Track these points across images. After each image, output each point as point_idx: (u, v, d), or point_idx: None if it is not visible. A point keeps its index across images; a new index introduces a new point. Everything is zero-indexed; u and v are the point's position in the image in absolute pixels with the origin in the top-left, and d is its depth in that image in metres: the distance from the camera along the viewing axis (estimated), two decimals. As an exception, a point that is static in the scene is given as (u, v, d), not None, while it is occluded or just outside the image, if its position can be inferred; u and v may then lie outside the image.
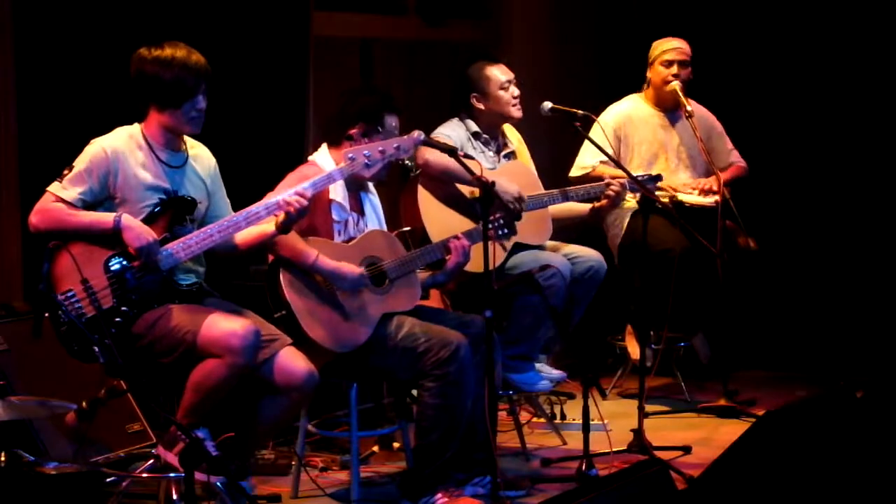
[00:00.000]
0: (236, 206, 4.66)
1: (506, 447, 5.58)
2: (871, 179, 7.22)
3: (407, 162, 5.35)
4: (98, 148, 4.45)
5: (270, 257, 4.77)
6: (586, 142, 5.96)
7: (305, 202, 4.47)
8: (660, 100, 6.44)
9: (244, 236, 4.61)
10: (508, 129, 5.78)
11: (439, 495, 4.74)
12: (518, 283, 5.21)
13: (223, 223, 4.48)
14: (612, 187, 5.59)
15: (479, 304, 4.64)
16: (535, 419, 5.96)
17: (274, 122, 6.14)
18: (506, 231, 5.09)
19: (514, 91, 5.63)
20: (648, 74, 6.47)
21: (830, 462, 3.97)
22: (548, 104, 5.49)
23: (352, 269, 4.74)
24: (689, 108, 6.21)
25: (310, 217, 4.67)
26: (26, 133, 5.31)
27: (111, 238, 4.37)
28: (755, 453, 3.82)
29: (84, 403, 4.30)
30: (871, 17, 7.17)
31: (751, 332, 6.68)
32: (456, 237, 5.00)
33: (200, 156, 4.68)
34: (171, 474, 4.45)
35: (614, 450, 5.26)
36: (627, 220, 6.30)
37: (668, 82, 6.35)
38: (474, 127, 5.62)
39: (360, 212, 4.99)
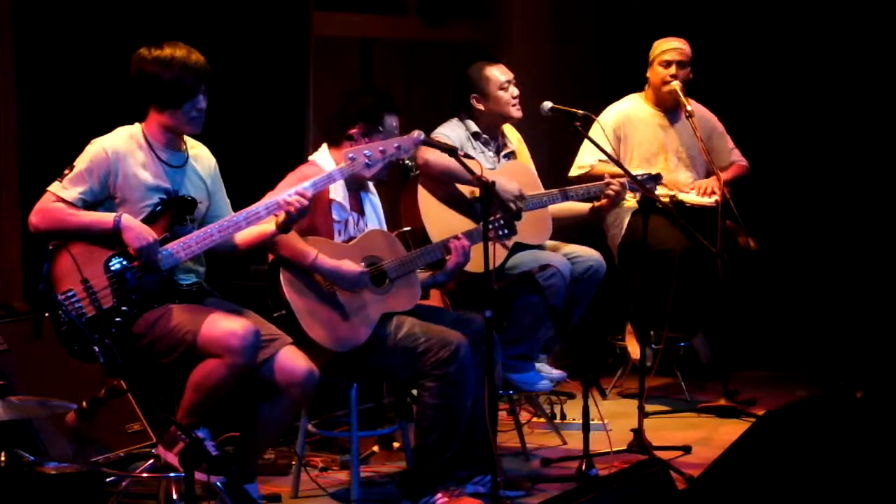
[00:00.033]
0: (236, 206, 4.66)
1: (506, 447, 5.58)
2: (871, 179, 7.22)
3: (407, 162, 5.35)
4: (98, 148, 4.45)
5: (270, 257, 4.77)
6: (586, 141, 5.96)
7: (306, 202, 4.47)
8: (659, 100, 6.45)
9: (244, 236, 4.61)
10: (508, 129, 5.78)
11: (439, 495, 4.74)
12: (518, 283, 5.21)
13: (223, 223, 4.48)
14: (612, 187, 5.59)
15: (479, 304, 4.64)
16: (535, 419, 5.96)
17: (274, 122, 6.14)
18: (506, 231, 5.09)
19: (514, 91, 5.63)
20: (648, 74, 6.47)
21: (830, 462, 3.97)
22: (548, 104, 5.50)
23: (352, 267, 4.74)
24: (689, 108, 6.22)
25: (310, 217, 4.67)
26: (26, 133, 5.31)
27: (111, 238, 4.37)
28: (755, 453, 3.82)
29: (84, 403, 4.30)
30: (871, 17, 7.16)
31: (751, 332, 6.68)
32: (456, 237, 5.00)
33: (201, 156, 4.68)
34: (171, 474, 4.45)
35: (614, 450, 5.26)
36: (627, 219, 6.30)
37: (666, 83, 6.35)
38: (474, 127, 5.62)
39: (361, 212, 4.99)
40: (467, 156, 4.92)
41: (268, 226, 4.55)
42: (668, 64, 6.37)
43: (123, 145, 4.47)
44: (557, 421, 5.97)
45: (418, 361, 4.73)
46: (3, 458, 3.96)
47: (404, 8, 7.06)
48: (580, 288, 5.54)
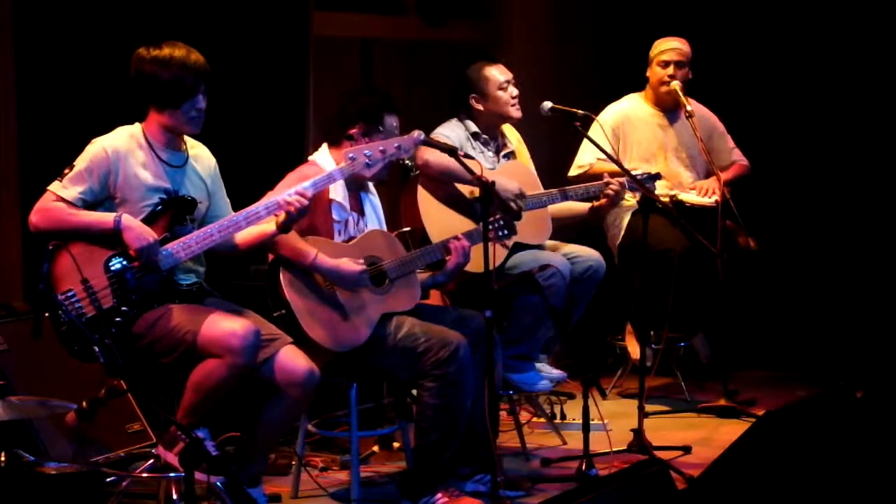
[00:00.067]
0: (236, 206, 4.66)
1: (506, 447, 5.58)
2: (872, 179, 7.22)
3: (407, 162, 5.35)
4: (99, 147, 4.45)
5: (270, 257, 4.77)
6: (585, 140, 5.97)
7: (306, 202, 4.47)
8: (659, 99, 6.44)
9: (244, 236, 4.61)
10: (508, 129, 5.77)
11: (439, 495, 4.74)
12: (518, 283, 5.21)
13: (223, 223, 4.48)
14: (612, 186, 5.59)
15: (479, 304, 4.65)
16: (535, 419, 5.96)
17: (274, 122, 6.13)
18: (506, 232, 5.09)
19: (513, 91, 5.63)
20: (648, 74, 6.47)
21: (830, 462, 3.97)
22: (548, 104, 5.50)
23: (351, 266, 4.73)
24: (689, 107, 6.21)
25: (310, 217, 4.67)
26: (26, 133, 5.31)
27: (111, 238, 4.37)
28: (755, 453, 3.82)
29: (84, 403, 4.30)
30: (872, 17, 7.16)
31: (751, 332, 6.68)
32: (456, 238, 5.00)
33: (201, 156, 4.68)
34: (171, 474, 4.45)
35: (614, 450, 5.26)
36: (627, 219, 6.30)
37: (664, 83, 6.36)
38: (473, 127, 5.62)
39: (361, 212, 4.99)
40: (467, 156, 4.92)
41: (268, 226, 4.55)
42: (666, 64, 6.37)
43: (124, 145, 4.47)
44: (557, 421, 5.97)
45: (418, 361, 4.73)
46: (3, 458, 3.96)
47: (404, 8, 7.06)
48: (580, 288, 5.54)
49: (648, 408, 5.71)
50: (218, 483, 4.37)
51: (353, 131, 4.89)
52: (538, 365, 5.57)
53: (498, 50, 6.82)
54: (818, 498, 3.91)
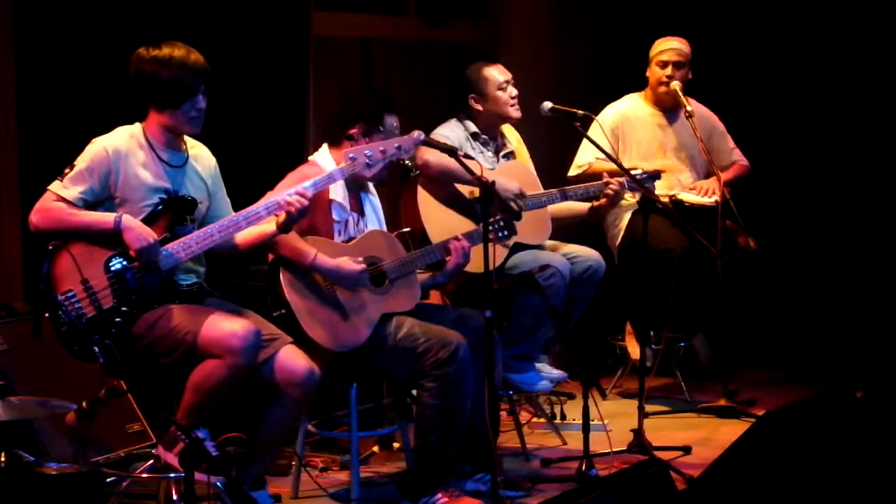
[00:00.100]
0: (236, 206, 4.66)
1: (506, 447, 5.58)
2: (872, 179, 7.22)
3: (407, 162, 5.35)
4: (99, 147, 4.45)
5: (270, 256, 4.77)
6: (585, 140, 5.97)
7: (306, 202, 4.47)
8: (658, 99, 6.44)
9: (244, 236, 4.61)
10: (507, 129, 5.77)
11: (439, 495, 4.74)
12: (518, 283, 5.21)
13: (224, 223, 4.48)
14: (611, 186, 5.59)
15: (480, 305, 4.65)
16: (535, 419, 5.96)
17: (274, 122, 6.13)
18: (506, 233, 5.09)
19: (512, 91, 5.62)
20: (647, 73, 6.47)
21: (830, 462, 3.97)
22: (548, 104, 5.50)
23: (351, 266, 4.73)
24: (689, 107, 6.21)
25: (310, 217, 4.67)
26: (26, 133, 5.31)
27: (111, 238, 4.37)
28: (755, 453, 3.82)
29: (84, 403, 4.30)
30: (872, 17, 7.16)
31: (751, 332, 6.68)
32: (456, 238, 5.00)
33: (201, 156, 4.68)
34: (171, 474, 4.45)
35: (614, 450, 5.26)
36: (627, 219, 6.30)
37: (662, 83, 6.36)
38: (473, 128, 5.62)
39: (361, 212, 4.99)
40: (467, 156, 4.92)
41: (268, 226, 4.55)
42: (664, 65, 6.37)
43: (124, 144, 4.47)
44: (557, 421, 5.97)
45: (418, 362, 4.73)
46: (3, 459, 3.96)
47: (404, 8, 7.06)
48: (580, 288, 5.54)
49: (648, 408, 5.71)
50: (218, 483, 4.36)
51: (353, 131, 4.89)
52: (539, 365, 5.57)
53: (498, 50, 6.82)
54: (818, 498, 3.91)
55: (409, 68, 7.21)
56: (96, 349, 4.19)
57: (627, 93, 6.56)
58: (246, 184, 4.91)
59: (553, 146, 6.49)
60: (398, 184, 5.67)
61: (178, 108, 4.48)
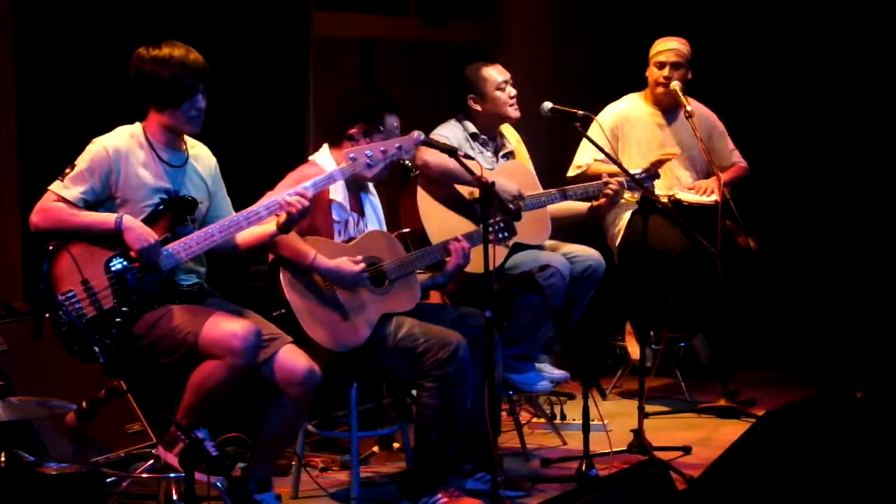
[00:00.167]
0: (237, 206, 4.66)
1: (506, 447, 5.58)
2: (871, 180, 7.22)
3: (407, 162, 5.35)
4: (100, 147, 4.45)
5: (270, 256, 4.77)
6: (584, 141, 5.97)
7: (306, 202, 4.47)
8: (657, 99, 6.44)
9: (245, 236, 4.61)
10: (507, 129, 5.77)
11: (439, 495, 4.74)
12: (518, 283, 5.21)
13: (224, 223, 4.48)
14: (611, 186, 5.60)
15: (480, 305, 4.64)
16: (535, 419, 5.96)
17: (274, 122, 6.13)
18: (506, 234, 5.09)
19: (511, 91, 5.62)
20: (646, 74, 6.47)
21: (830, 462, 3.97)
22: (548, 104, 5.50)
23: (350, 266, 4.73)
24: (689, 107, 6.21)
25: (310, 217, 4.67)
26: (26, 133, 5.31)
27: (112, 238, 4.37)
28: (755, 453, 3.82)
29: (84, 403, 4.29)
30: (871, 17, 7.16)
31: (751, 332, 6.68)
32: (456, 239, 5.00)
33: (201, 155, 4.68)
34: (171, 475, 4.45)
35: (614, 450, 5.26)
36: (627, 219, 6.30)
37: (660, 84, 6.36)
38: (472, 128, 5.62)
39: (361, 212, 4.99)
40: (467, 156, 4.92)
41: (268, 226, 4.54)
42: (662, 65, 6.37)
43: (124, 144, 4.47)
44: (557, 421, 5.97)
45: (418, 362, 4.73)
46: (3, 459, 3.96)
47: (404, 8, 7.06)
48: (579, 287, 5.54)
49: (648, 408, 5.71)
50: (218, 483, 4.37)
51: (353, 131, 4.89)
52: (540, 365, 5.58)
53: (498, 50, 6.82)
54: (818, 498, 3.91)
55: (409, 68, 7.21)
56: (97, 349, 4.19)
57: (627, 93, 6.56)
58: (246, 184, 4.91)
59: (553, 146, 6.49)
60: (398, 184, 5.67)
61: (177, 107, 4.48)
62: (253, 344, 4.32)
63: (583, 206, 5.73)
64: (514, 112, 5.63)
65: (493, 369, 4.58)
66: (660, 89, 6.36)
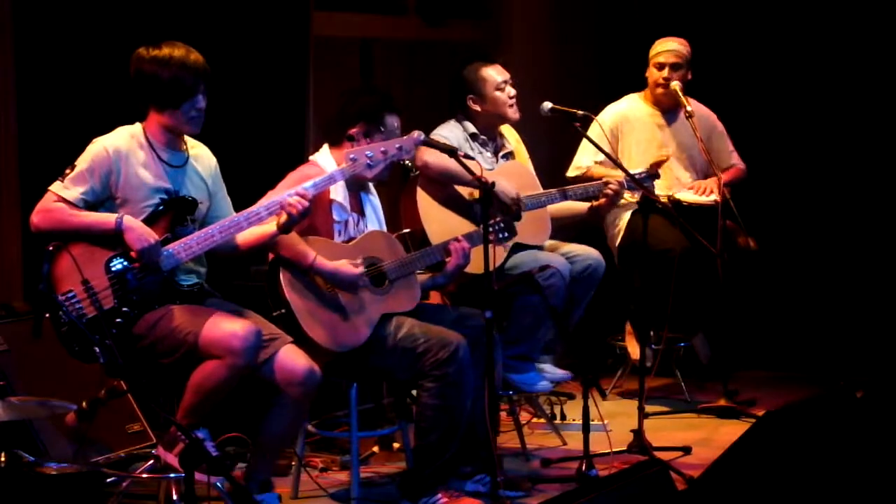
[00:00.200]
0: (237, 206, 4.66)
1: (506, 447, 5.58)
2: (871, 180, 7.22)
3: (407, 162, 5.35)
4: (100, 147, 4.45)
5: (270, 256, 4.77)
6: (584, 141, 5.97)
7: (307, 203, 4.47)
8: (657, 100, 6.44)
9: (245, 237, 4.61)
10: (506, 129, 5.77)
11: (439, 495, 4.75)
12: (518, 284, 5.21)
13: (224, 223, 4.48)
14: (611, 186, 5.60)
15: (480, 305, 4.64)
16: (535, 419, 5.95)
17: (274, 122, 6.13)
18: (506, 234, 5.09)
19: (511, 91, 5.62)
20: (646, 74, 6.47)
21: (830, 462, 3.97)
22: (548, 104, 5.49)
23: (350, 269, 4.73)
24: (689, 107, 6.21)
25: (310, 217, 4.67)
26: (26, 133, 5.31)
27: (112, 239, 4.37)
28: (755, 453, 3.82)
29: (84, 403, 4.30)
30: (871, 17, 7.16)
31: (751, 332, 6.68)
32: (456, 239, 5.00)
33: (201, 156, 4.67)
34: (171, 475, 4.45)
35: (614, 450, 5.26)
36: (627, 219, 6.30)
37: (660, 85, 6.36)
38: (472, 128, 5.61)
39: (361, 212, 4.99)
40: (467, 156, 4.92)
41: (269, 226, 4.54)
42: (661, 66, 6.37)
43: (125, 144, 4.47)
44: (557, 421, 5.97)
45: (418, 362, 4.73)
46: (3, 459, 3.96)
47: (404, 8, 7.06)
48: (579, 287, 5.54)
49: (648, 408, 5.71)
50: (218, 483, 4.37)
51: (353, 131, 4.89)
52: (542, 366, 5.58)
53: (498, 50, 6.82)
54: (818, 498, 3.91)
55: (409, 68, 7.21)
56: (97, 349, 4.19)
57: (627, 93, 6.56)
58: (246, 184, 4.91)
59: (553, 146, 6.50)
60: (398, 184, 5.67)
61: (177, 108, 4.48)
62: (253, 344, 4.32)
63: (583, 206, 5.73)
64: (513, 114, 5.62)
65: (493, 369, 4.58)
66: (659, 90, 6.37)
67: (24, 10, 5.25)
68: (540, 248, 5.59)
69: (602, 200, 5.64)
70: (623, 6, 7.76)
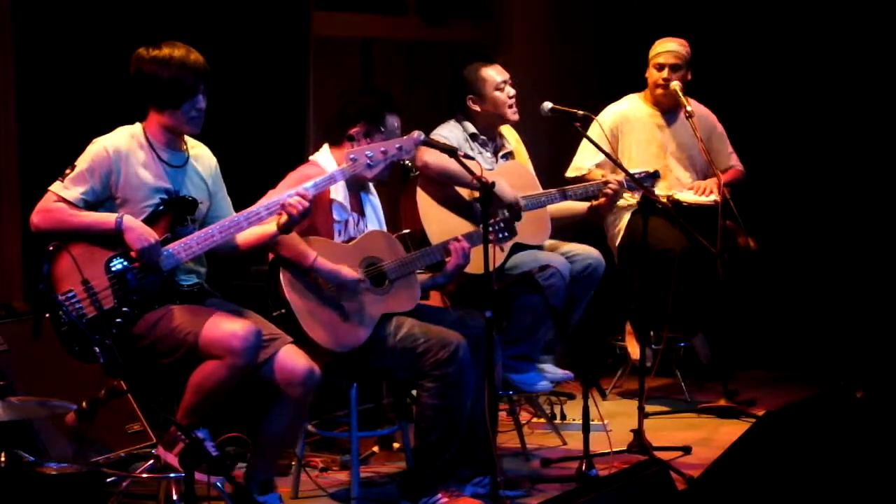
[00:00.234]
0: (237, 206, 4.66)
1: (506, 447, 5.58)
2: (871, 180, 7.22)
3: (407, 162, 5.35)
4: (100, 147, 4.45)
5: (270, 256, 4.77)
6: (584, 142, 5.97)
7: (307, 203, 4.47)
8: (657, 100, 6.44)
9: (245, 237, 4.61)
10: (506, 129, 5.77)
11: (439, 495, 4.75)
12: (518, 284, 5.21)
13: (224, 223, 4.48)
14: (610, 185, 5.60)
15: (480, 305, 4.64)
16: (535, 419, 5.96)
17: (274, 122, 6.14)
18: (506, 234, 5.09)
19: (510, 91, 5.62)
20: (646, 74, 6.47)
21: (830, 462, 3.97)
22: (548, 104, 5.49)
23: (350, 273, 4.73)
24: (689, 108, 6.20)
25: (310, 217, 4.67)
26: (26, 133, 5.31)
27: (112, 238, 4.37)
28: (755, 453, 3.82)
29: (84, 403, 4.30)
30: (871, 17, 7.16)
31: (751, 332, 6.68)
32: (456, 239, 5.00)
33: (201, 156, 4.68)
34: (171, 475, 4.45)
35: (614, 450, 5.26)
36: (627, 219, 6.30)
37: (659, 85, 6.35)
38: (472, 128, 5.61)
39: (361, 212, 4.99)
40: (467, 156, 4.92)
41: (269, 226, 4.54)
42: (660, 67, 6.37)
43: (125, 144, 4.47)
44: (557, 421, 5.97)
45: (418, 362, 4.73)
46: (3, 459, 3.96)
47: (404, 8, 7.07)
48: (579, 286, 5.54)
49: (648, 408, 5.71)
50: (218, 483, 4.37)
51: (353, 131, 4.89)
52: (542, 366, 5.57)
53: (498, 50, 6.82)
54: (818, 498, 3.91)
55: (409, 68, 7.21)
56: (97, 349, 4.19)
57: (627, 93, 6.56)
58: (246, 184, 4.91)
59: (553, 146, 6.50)
60: (398, 184, 5.67)
61: (178, 108, 4.48)
62: (253, 344, 4.32)
63: (583, 205, 5.73)
64: (512, 114, 5.62)
65: (492, 369, 4.58)
66: (659, 91, 6.37)
67: (24, 10, 5.25)
68: (540, 248, 5.59)
69: (602, 200, 5.64)
70: (623, 6, 7.77)
